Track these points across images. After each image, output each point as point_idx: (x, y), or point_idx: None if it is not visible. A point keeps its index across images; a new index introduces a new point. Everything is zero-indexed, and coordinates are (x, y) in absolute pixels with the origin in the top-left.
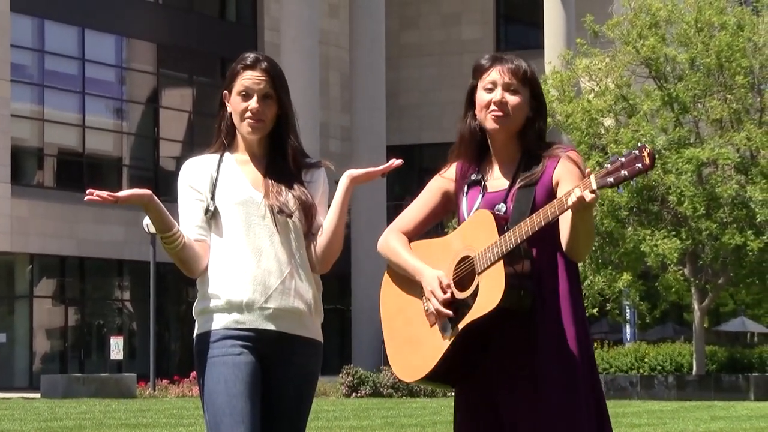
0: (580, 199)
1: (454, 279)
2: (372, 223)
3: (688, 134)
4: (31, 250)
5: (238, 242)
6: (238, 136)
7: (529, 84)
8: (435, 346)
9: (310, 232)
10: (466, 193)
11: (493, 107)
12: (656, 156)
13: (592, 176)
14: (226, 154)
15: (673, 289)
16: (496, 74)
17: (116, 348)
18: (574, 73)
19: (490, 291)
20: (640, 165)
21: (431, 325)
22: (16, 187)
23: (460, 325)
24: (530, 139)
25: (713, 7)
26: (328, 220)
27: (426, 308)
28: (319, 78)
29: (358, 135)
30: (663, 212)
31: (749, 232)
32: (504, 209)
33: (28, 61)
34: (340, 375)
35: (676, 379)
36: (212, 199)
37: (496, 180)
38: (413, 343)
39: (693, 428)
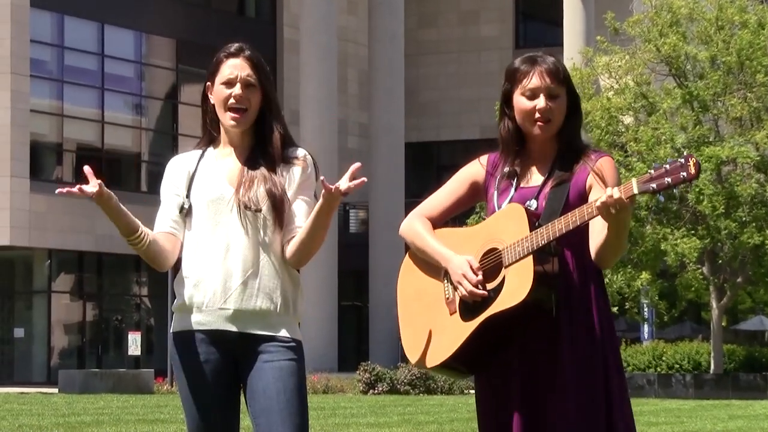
0: (618, 200)
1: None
2: (389, 220)
3: (708, 132)
4: (49, 246)
5: (205, 241)
6: (222, 128)
7: (565, 82)
8: (454, 334)
9: (280, 226)
10: (498, 186)
11: (537, 115)
12: (701, 166)
13: (634, 180)
14: (209, 149)
15: (692, 288)
16: (537, 80)
17: (134, 343)
18: (594, 71)
19: (517, 285)
20: (684, 174)
21: (451, 313)
22: (35, 183)
23: (483, 316)
24: (569, 136)
25: (734, 5)
26: (305, 224)
27: (447, 296)
28: (337, 75)
29: (376, 132)
30: (682, 211)
31: None
32: (535, 205)
33: (47, 56)
34: (357, 372)
35: (693, 377)
36: (187, 196)
37: (531, 176)
38: (431, 329)
39: (711, 427)
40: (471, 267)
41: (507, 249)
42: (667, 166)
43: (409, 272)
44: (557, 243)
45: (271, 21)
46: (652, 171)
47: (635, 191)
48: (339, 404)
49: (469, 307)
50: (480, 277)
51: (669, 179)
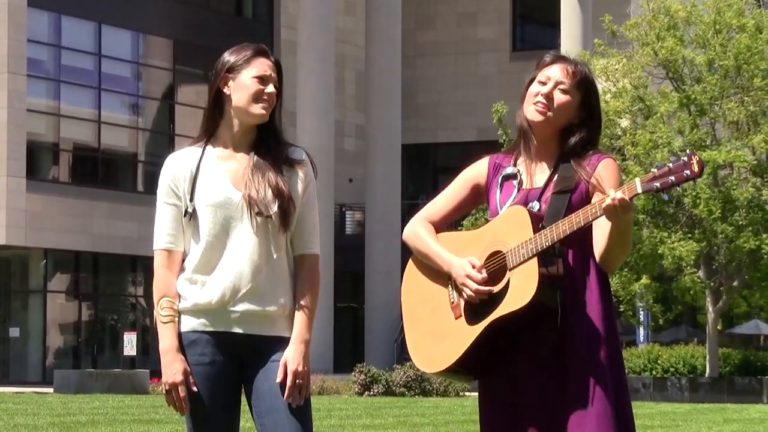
0: (622, 200)
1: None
2: (386, 221)
3: (705, 136)
4: (45, 245)
5: (213, 245)
6: (223, 125)
7: (583, 90)
8: (459, 338)
9: (287, 228)
10: (500, 187)
11: (539, 98)
12: (705, 164)
13: (638, 180)
14: (209, 148)
15: (690, 292)
16: (554, 70)
17: (129, 344)
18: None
19: (522, 287)
20: (688, 172)
21: (456, 317)
22: (32, 182)
23: (488, 319)
24: (571, 144)
25: (732, 9)
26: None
27: (451, 300)
28: (334, 76)
29: (373, 134)
30: (678, 214)
31: (764, 235)
32: (538, 207)
33: (44, 56)
34: (353, 373)
35: (689, 381)
36: (191, 200)
37: (533, 177)
38: (436, 334)
39: (706, 431)
40: (473, 266)
41: (511, 251)
42: (671, 165)
43: (413, 277)
44: (561, 244)
45: (268, 22)
46: (655, 170)
47: (639, 191)
48: (334, 406)
49: (474, 311)
50: (484, 275)
51: (672, 178)
